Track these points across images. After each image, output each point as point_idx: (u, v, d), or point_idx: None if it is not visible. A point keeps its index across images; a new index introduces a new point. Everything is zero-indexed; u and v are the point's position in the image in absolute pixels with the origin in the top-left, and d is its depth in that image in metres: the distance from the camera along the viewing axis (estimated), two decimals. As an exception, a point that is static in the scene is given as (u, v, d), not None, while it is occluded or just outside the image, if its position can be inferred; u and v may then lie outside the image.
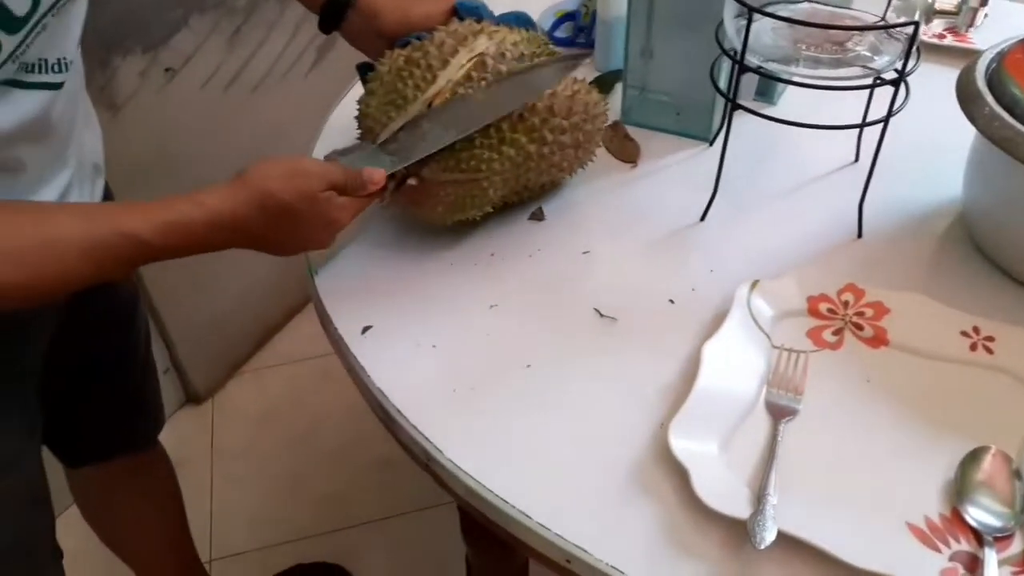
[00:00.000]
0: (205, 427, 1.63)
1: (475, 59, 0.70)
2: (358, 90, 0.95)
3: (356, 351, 0.66)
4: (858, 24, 0.71)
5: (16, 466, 0.74)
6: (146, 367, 0.99)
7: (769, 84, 0.92)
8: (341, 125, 0.89)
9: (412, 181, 0.70)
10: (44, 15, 0.56)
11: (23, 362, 0.74)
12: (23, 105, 0.59)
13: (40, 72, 0.59)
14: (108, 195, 0.83)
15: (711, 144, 0.87)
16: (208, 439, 1.61)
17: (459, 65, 0.69)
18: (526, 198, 0.78)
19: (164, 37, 1.31)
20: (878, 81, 0.70)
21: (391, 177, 0.69)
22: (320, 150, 0.88)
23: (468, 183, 0.70)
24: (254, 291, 1.70)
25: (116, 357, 0.93)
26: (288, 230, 0.63)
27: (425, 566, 1.39)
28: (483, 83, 0.69)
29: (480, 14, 0.77)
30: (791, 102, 0.93)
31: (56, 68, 0.61)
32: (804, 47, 0.70)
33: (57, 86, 0.62)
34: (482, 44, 0.71)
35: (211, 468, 1.55)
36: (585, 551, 0.52)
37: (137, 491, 1.07)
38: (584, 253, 0.75)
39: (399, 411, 0.61)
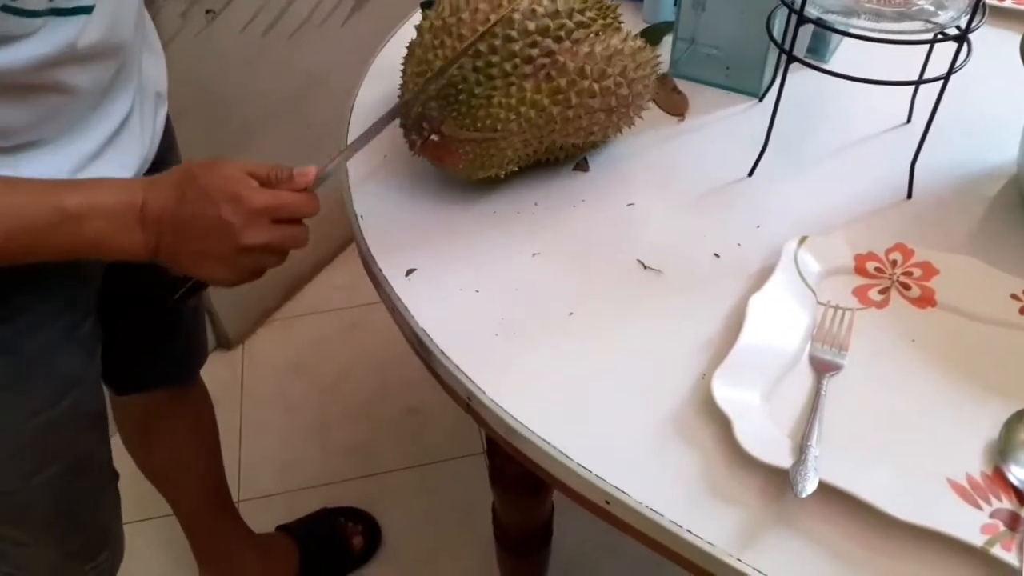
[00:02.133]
0: (235, 372, 1.65)
1: (504, 17, 0.66)
2: (402, 35, 0.95)
3: (400, 292, 0.66)
4: (923, -23, 0.69)
5: (80, 384, 0.76)
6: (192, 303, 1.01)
7: (821, 40, 0.90)
8: (387, 69, 0.88)
9: (434, 137, 0.70)
10: None
11: (84, 287, 0.76)
12: (57, 32, 0.58)
13: None
14: (168, 125, 0.84)
15: (761, 100, 0.86)
16: (238, 384, 1.63)
17: (485, 33, 0.66)
18: (562, 158, 0.76)
19: (206, -22, 1.31)
20: (940, 37, 0.68)
21: (419, 132, 0.69)
22: (364, 95, 0.88)
23: (485, 142, 0.69)
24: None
25: (165, 288, 0.95)
26: (201, 211, 0.59)
27: (451, 514, 1.41)
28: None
29: None
30: (843, 60, 0.91)
31: None
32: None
33: (87, 9, 0.60)
34: (519, 4, 0.67)
35: (240, 413, 1.58)
36: (625, 492, 0.52)
37: (177, 422, 1.10)
38: (628, 205, 0.74)
39: (442, 351, 0.61)
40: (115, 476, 0.89)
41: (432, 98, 0.68)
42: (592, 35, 0.69)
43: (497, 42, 0.66)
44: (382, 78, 0.88)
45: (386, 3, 1.67)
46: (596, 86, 0.69)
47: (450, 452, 1.49)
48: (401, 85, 0.73)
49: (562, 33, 0.67)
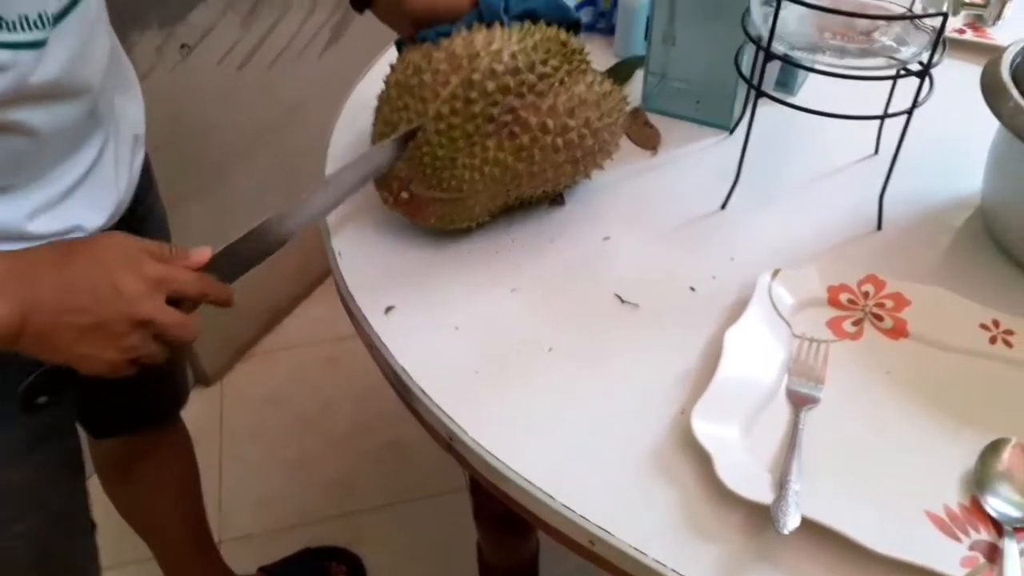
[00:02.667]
0: (214, 408, 1.64)
1: (463, 80, 0.66)
2: (379, 69, 0.96)
3: (379, 330, 0.66)
4: (885, 14, 0.71)
5: (56, 434, 0.75)
6: None
7: (789, 74, 0.92)
8: (363, 103, 0.88)
9: (404, 194, 0.70)
10: None
11: None
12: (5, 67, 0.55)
13: (12, 30, 0.54)
14: (147, 167, 0.83)
15: (731, 133, 0.87)
16: (217, 421, 1.61)
17: (446, 97, 0.66)
18: (534, 201, 0.76)
19: (181, 13, 1.31)
20: (903, 72, 0.70)
21: (389, 190, 0.70)
22: (341, 129, 0.88)
23: (452, 200, 0.69)
24: (262, 275, 1.69)
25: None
26: (90, 278, 0.56)
27: (434, 552, 1.40)
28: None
29: (497, 12, 0.73)
30: (811, 92, 0.93)
31: (35, 24, 0.56)
32: (830, 35, 0.70)
33: (38, 44, 0.56)
34: (478, 64, 0.66)
35: (220, 449, 1.56)
36: (608, 532, 0.52)
37: (157, 464, 1.08)
38: (604, 239, 0.75)
39: (423, 391, 0.61)
40: (92, 526, 0.87)
41: (399, 159, 0.69)
42: (557, 83, 0.68)
43: (458, 104, 0.66)
44: (358, 114, 0.89)
45: (363, 35, 1.68)
46: (560, 140, 0.68)
47: (433, 487, 1.48)
48: (372, 135, 0.73)
49: (523, 89, 0.67)
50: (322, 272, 1.84)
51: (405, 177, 0.69)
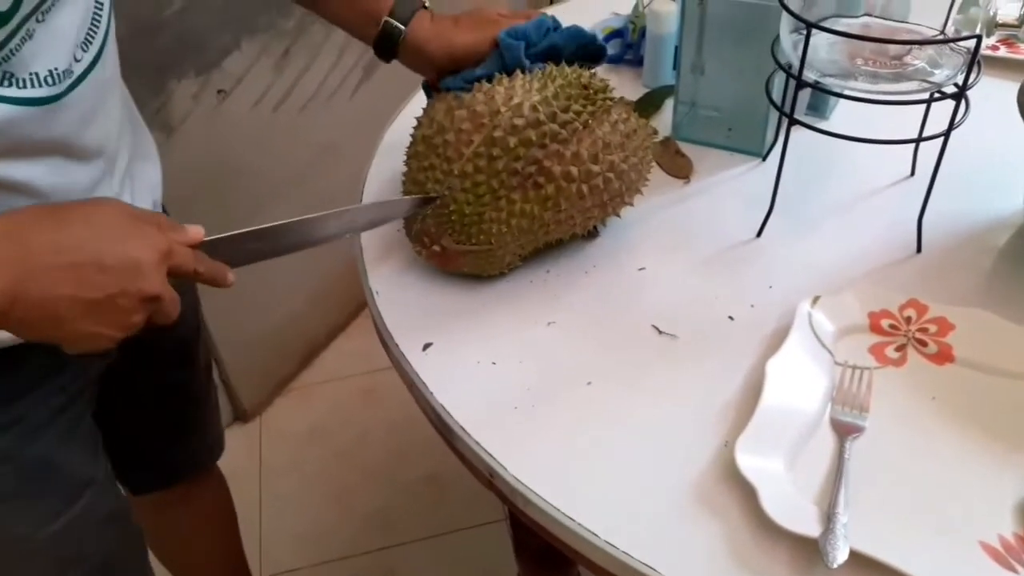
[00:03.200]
0: (253, 445, 1.65)
1: (485, 138, 0.67)
2: (411, 108, 0.97)
3: (418, 368, 0.66)
4: (917, 38, 0.70)
5: (93, 482, 0.74)
6: (206, 397, 1.00)
7: (821, 98, 0.92)
8: (396, 142, 0.90)
9: (436, 248, 0.71)
10: (27, 17, 0.52)
11: (69, 389, 0.71)
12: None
13: (23, 87, 0.54)
14: None
15: (764, 159, 0.87)
16: (256, 457, 1.63)
17: (470, 156, 0.67)
18: (566, 240, 0.76)
19: (216, 60, 1.35)
20: (938, 95, 0.69)
21: (421, 244, 0.71)
22: (375, 169, 0.89)
23: (482, 252, 0.70)
24: (299, 311, 1.72)
25: (176, 391, 0.94)
26: (96, 245, 0.51)
27: (474, 584, 1.39)
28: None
29: (518, 56, 0.72)
30: (843, 117, 0.92)
31: (47, 81, 0.55)
32: (862, 61, 0.70)
33: (41, 101, 0.55)
34: (499, 120, 0.67)
35: (259, 485, 1.57)
36: (653, 569, 0.52)
37: (193, 512, 1.08)
38: (640, 270, 0.75)
39: (462, 427, 0.61)
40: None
41: (428, 215, 0.70)
42: (580, 127, 0.68)
43: (482, 162, 0.67)
44: (392, 154, 0.90)
45: (393, 74, 1.70)
46: (585, 187, 0.68)
47: (472, 519, 1.47)
48: (402, 192, 0.74)
49: (546, 140, 0.67)
50: (357, 306, 1.86)
51: (435, 233, 0.70)
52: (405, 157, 0.74)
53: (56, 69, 0.56)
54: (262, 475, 1.59)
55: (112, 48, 0.64)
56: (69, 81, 0.57)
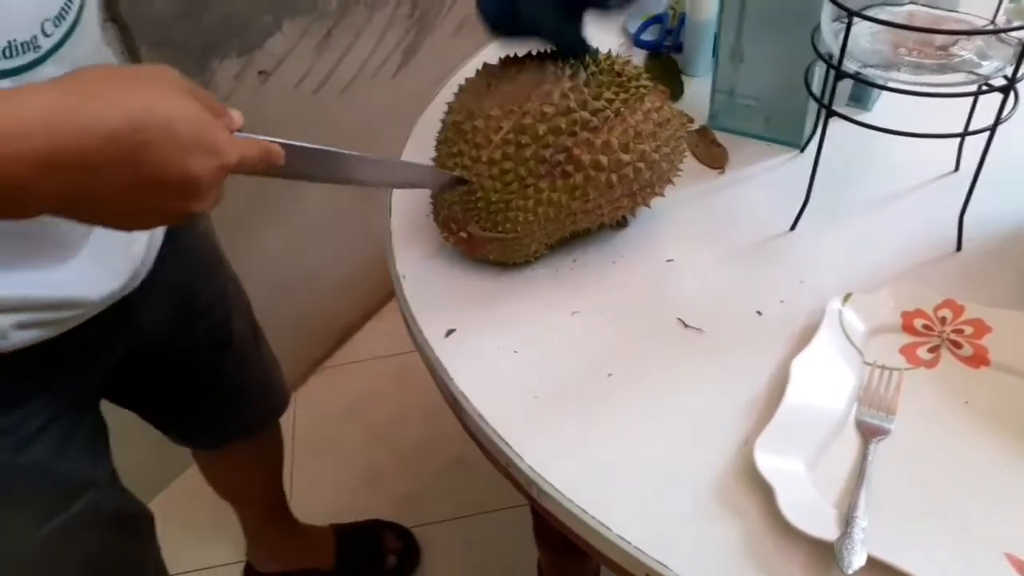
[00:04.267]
0: (287, 422, 1.66)
1: (514, 125, 0.66)
2: (450, 88, 0.96)
3: (440, 354, 0.66)
4: (966, 28, 0.68)
5: (91, 485, 0.74)
6: (252, 356, 1.02)
7: (864, 89, 0.89)
8: (434, 124, 0.90)
9: (463, 234, 0.70)
10: None
11: (66, 395, 0.71)
12: None
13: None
14: (201, 243, 0.86)
15: (802, 151, 0.85)
16: (290, 434, 1.65)
17: (498, 143, 0.66)
18: (594, 230, 0.74)
19: (258, 41, 1.36)
20: (985, 87, 0.67)
21: (448, 230, 0.71)
22: (411, 150, 0.89)
23: (508, 240, 0.69)
24: (334, 290, 1.74)
25: (207, 374, 0.95)
26: (158, 157, 0.44)
27: (497, 567, 1.40)
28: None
29: None
30: (886, 108, 0.90)
31: (5, 53, 0.51)
32: (905, 52, 0.68)
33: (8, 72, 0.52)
34: (529, 107, 0.66)
35: (291, 463, 1.59)
36: (665, 566, 0.51)
37: (249, 457, 1.15)
38: (668, 261, 0.74)
39: (481, 416, 0.61)
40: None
41: (455, 201, 0.69)
42: (612, 115, 0.67)
43: (510, 149, 0.66)
44: (429, 136, 0.89)
45: (435, 54, 1.71)
46: (614, 176, 0.67)
47: (497, 503, 1.48)
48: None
49: (576, 128, 0.66)
50: (391, 288, 1.86)
51: (462, 220, 0.69)
52: (435, 143, 0.74)
53: (15, 40, 0.52)
54: (295, 453, 1.61)
55: (91, 27, 0.60)
56: (33, 56, 0.53)
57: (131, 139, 0.43)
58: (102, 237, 0.65)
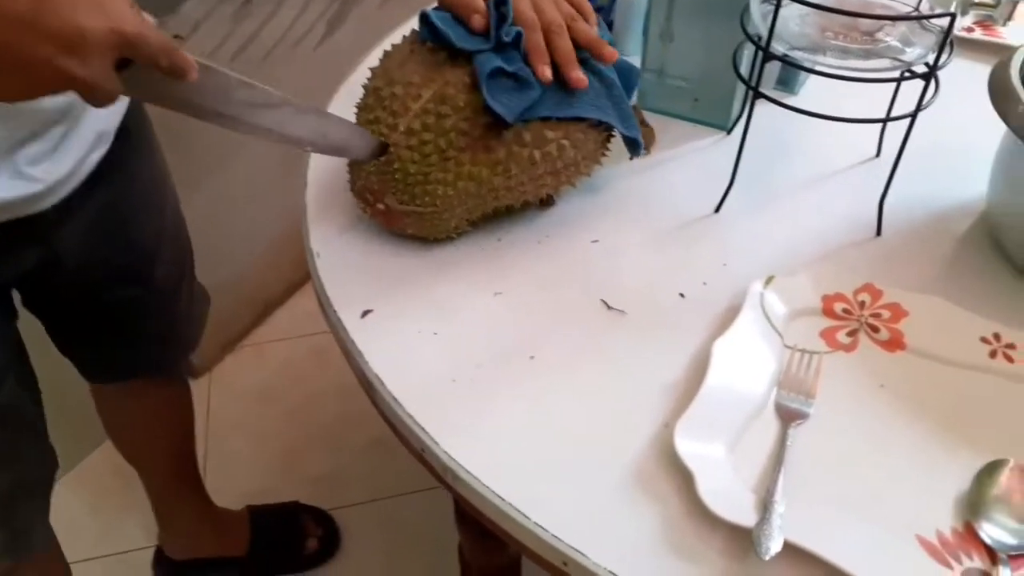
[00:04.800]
0: (201, 401, 1.61)
1: (435, 94, 0.63)
2: (372, 61, 0.92)
3: (354, 335, 0.64)
4: (890, 14, 0.68)
5: None
6: (169, 300, 0.98)
7: (791, 73, 0.89)
8: (355, 96, 0.86)
9: (380, 206, 0.67)
10: None
11: None
12: None
13: None
14: (107, 165, 0.80)
15: (729, 133, 0.85)
16: (204, 413, 1.59)
17: (417, 111, 0.63)
18: (517, 207, 0.72)
19: (173, 5, 1.29)
20: (908, 74, 0.67)
21: (365, 200, 0.67)
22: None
23: (427, 215, 0.67)
24: (253, 266, 1.68)
25: (122, 305, 0.92)
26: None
27: (417, 550, 1.38)
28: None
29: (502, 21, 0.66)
30: (813, 92, 0.90)
31: None
32: (832, 36, 0.67)
33: None
34: (451, 76, 0.64)
35: (206, 442, 1.54)
36: (583, 554, 0.50)
37: (151, 404, 1.10)
38: (593, 242, 0.72)
39: (395, 399, 0.59)
40: (34, 484, 0.86)
41: (372, 171, 0.66)
42: None
43: (430, 119, 0.63)
44: (350, 107, 0.86)
45: (358, 28, 1.65)
46: (537, 153, 0.65)
47: (417, 483, 1.46)
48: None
49: None
50: (314, 265, 1.82)
51: (378, 191, 0.66)
52: (355, 110, 0.70)
53: None
54: (209, 432, 1.56)
55: None
56: None
57: None
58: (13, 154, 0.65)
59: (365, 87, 0.69)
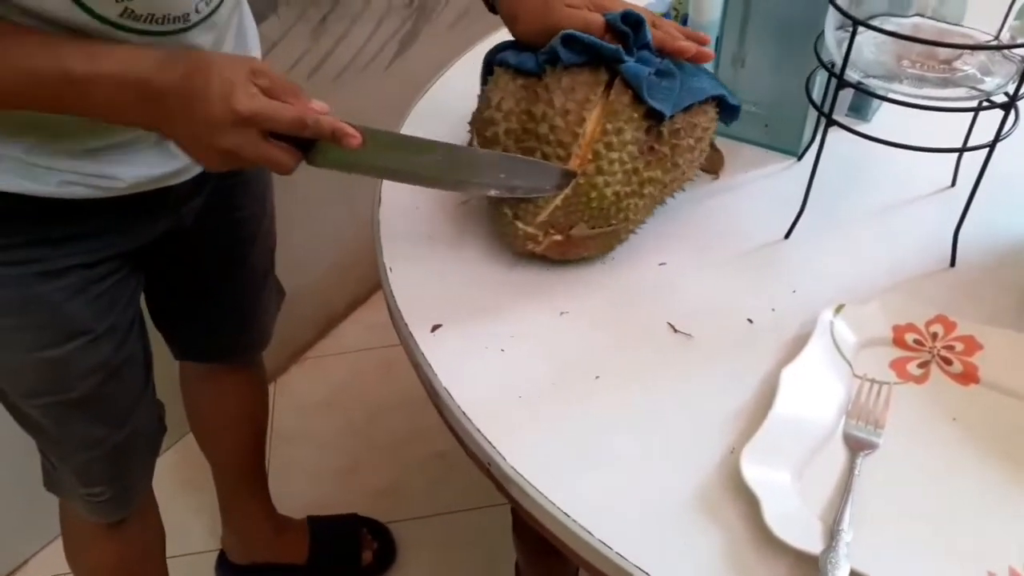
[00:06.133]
0: (267, 409, 1.66)
1: (604, 111, 0.66)
2: (445, 82, 0.95)
3: (424, 349, 0.65)
4: (969, 43, 0.67)
5: (88, 334, 0.79)
6: (258, 286, 1.07)
7: (863, 100, 0.88)
8: (425, 116, 0.89)
9: (558, 237, 0.68)
10: None
11: (98, 254, 0.79)
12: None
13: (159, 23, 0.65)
14: None
15: (799, 159, 0.85)
16: (268, 423, 1.63)
17: (596, 135, 0.65)
18: None
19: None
20: (986, 104, 0.66)
21: (533, 238, 0.68)
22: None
23: (614, 231, 0.69)
24: (320, 280, 1.72)
25: (228, 268, 1.01)
26: (192, 101, 0.60)
27: (473, 566, 1.39)
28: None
29: (637, 29, 0.69)
30: (886, 120, 0.89)
31: (162, 20, 0.65)
32: (909, 64, 0.67)
33: (153, 33, 0.66)
34: (600, 92, 0.66)
35: (269, 452, 1.58)
36: (646, 573, 0.50)
37: (229, 392, 1.18)
38: (660, 265, 0.73)
39: (464, 413, 0.60)
40: (146, 441, 0.93)
41: (557, 205, 0.66)
42: None
43: (611, 139, 0.65)
44: (423, 125, 0.89)
45: (429, 48, 1.69)
46: (691, 140, 0.69)
47: (476, 501, 1.47)
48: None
49: None
50: (378, 279, 1.85)
51: (564, 222, 0.67)
52: (475, 125, 0.72)
53: (169, 15, 0.65)
54: (271, 442, 1.60)
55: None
56: (182, 25, 0.67)
57: (186, 77, 0.60)
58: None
59: (484, 138, 0.70)
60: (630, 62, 0.67)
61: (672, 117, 0.67)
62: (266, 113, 0.61)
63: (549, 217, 0.67)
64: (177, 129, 0.62)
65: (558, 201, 0.66)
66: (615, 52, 0.67)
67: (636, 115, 0.66)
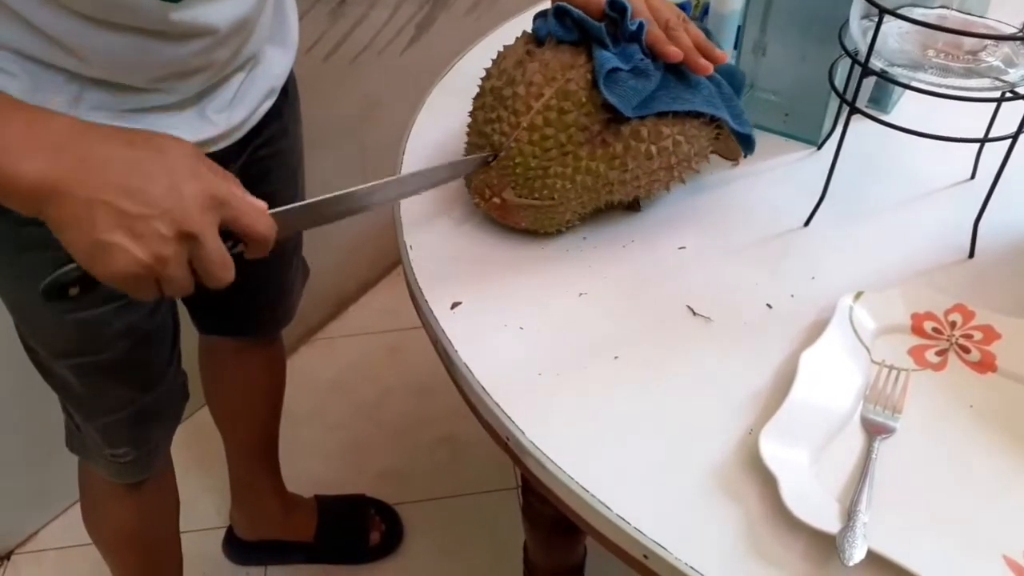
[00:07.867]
0: (276, 389, 1.66)
1: (557, 91, 0.66)
2: (460, 68, 0.96)
3: (444, 325, 0.66)
4: (996, 33, 0.67)
5: (122, 298, 0.79)
6: (288, 263, 1.08)
7: (884, 90, 0.89)
8: (443, 100, 0.89)
9: (496, 200, 0.70)
10: None
11: None
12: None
13: None
14: (268, 118, 0.87)
15: (819, 148, 0.85)
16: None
17: (540, 108, 0.66)
18: (623, 205, 0.75)
19: (273, 4, 1.34)
20: (1009, 95, 0.67)
21: (481, 195, 0.70)
22: (418, 126, 0.88)
23: (543, 208, 0.69)
24: (331, 261, 1.73)
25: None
26: (148, 155, 0.53)
27: (479, 549, 1.40)
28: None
29: (622, 17, 0.68)
30: (905, 111, 0.89)
31: None
32: (933, 53, 0.67)
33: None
34: (573, 75, 0.66)
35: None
36: (664, 548, 0.51)
37: (248, 366, 1.19)
38: (680, 248, 0.73)
39: (484, 388, 0.61)
40: (169, 407, 0.94)
41: (493, 167, 0.69)
42: None
43: (552, 115, 0.65)
44: (436, 113, 0.89)
45: (445, 33, 1.69)
46: (653, 148, 0.67)
47: (483, 485, 1.48)
48: (466, 143, 0.74)
49: None
50: (390, 262, 1.86)
51: (497, 185, 0.69)
52: (471, 109, 0.73)
53: None
54: (281, 420, 1.60)
55: None
56: None
57: (152, 150, 0.54)
58: (198, 103, 0.75)
59: (481, 87, 0.72)
60: (605, 50, 0.66)
61: (644, 119, 0.66)
62: (235, 201, 0.57)
63: (484, 176, 0.70)
64: (103, 195, 0.52)
65: (492, 164, 0.68)
66: (598, 32, 0.67)
67: (592, 103, 0.65)
